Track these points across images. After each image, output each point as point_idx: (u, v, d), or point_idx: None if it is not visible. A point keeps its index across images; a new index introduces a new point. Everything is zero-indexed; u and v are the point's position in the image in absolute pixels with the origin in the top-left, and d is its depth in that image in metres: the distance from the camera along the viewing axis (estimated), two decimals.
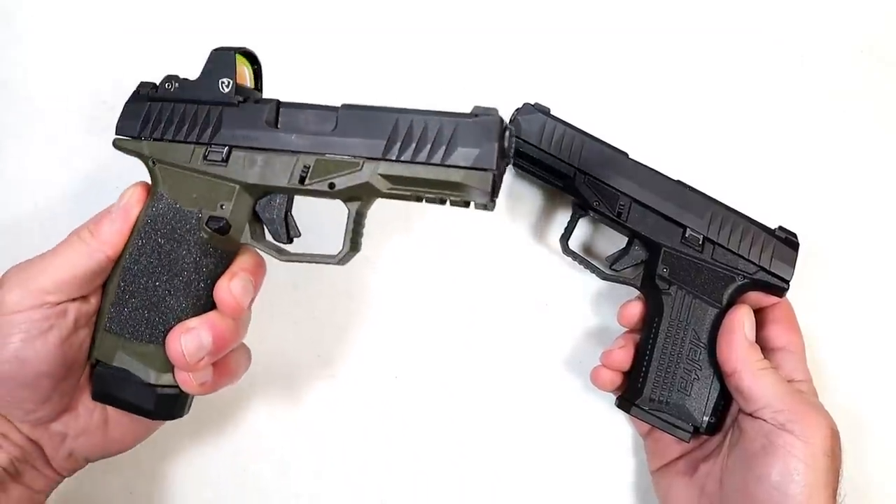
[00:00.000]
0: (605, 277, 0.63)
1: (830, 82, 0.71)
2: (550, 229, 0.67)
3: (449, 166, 0.46)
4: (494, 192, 0.46)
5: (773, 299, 0.60)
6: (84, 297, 0.49)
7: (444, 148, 0.46)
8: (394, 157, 0.47)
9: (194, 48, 0.52)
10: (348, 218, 0.50)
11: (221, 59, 0.49)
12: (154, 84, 0.51)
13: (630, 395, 0.60)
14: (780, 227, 0.60)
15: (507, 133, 0.46)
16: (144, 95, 0.51)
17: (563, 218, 0.66)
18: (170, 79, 0.51)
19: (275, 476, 0.64)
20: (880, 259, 0.68)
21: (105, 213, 0.50)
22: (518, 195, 0.67)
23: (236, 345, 0.51)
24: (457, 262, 0.67)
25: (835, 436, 0.53)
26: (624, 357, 0.60)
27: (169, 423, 0.54)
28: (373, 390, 0.66)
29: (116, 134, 0.51)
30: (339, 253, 0.50)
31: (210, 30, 0.68)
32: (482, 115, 0.46)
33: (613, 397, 0.63)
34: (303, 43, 0.68)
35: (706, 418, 0.58)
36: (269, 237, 0.52)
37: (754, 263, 0.59)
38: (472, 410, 0.66)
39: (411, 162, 0.46)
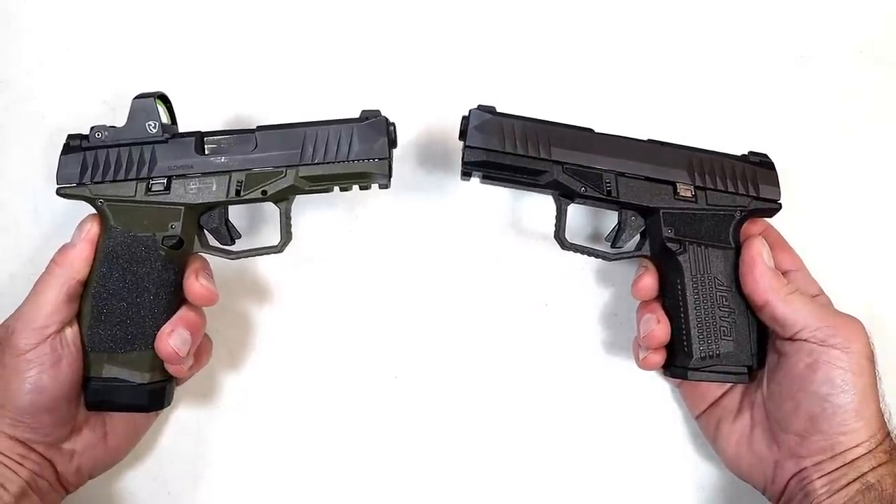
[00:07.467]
0: (611, 258, 0.62)
1: (829, 82, 0.74)
2: (540, 226, 0.69)
3: (353, 160, 0.60)
4: (390, 174, 0.61)
5: (760, 226, 0.63)
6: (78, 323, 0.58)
7: (347, 147, 0.60)
8: (309, 161, 0.60)
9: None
10: (280, 215, 0.62)
11: (144, 105, 0.59)
12: (82, 135, 0.59)
13: (681, 362, 0.59)
14: (751, 153, 0.62)
15: (392, 127, 0.61)
16: (77, 146, 0.59)
17: (545, 209, 0.65)
18: (98, 129, 0.59)
19: (275, 477, 0.67)
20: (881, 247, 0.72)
21: (67, 246, 0.58)
22: (499, 197, 0.70)
23: (204, 330, 0.62)
24: (452, 264, 0.70)
25: (869, 339, 0.55)
26: (665, 330, 0.60)
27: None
28: (372, 390, 0.68)
29: (59, 184, 0.58)
30: (279, 244, 0.62)
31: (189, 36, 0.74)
32: (371, 118, 0.60)
33: (609, 385, 0.65)
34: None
35: (755, 354, 0.59)
36: (214, 243, 0.63)
37: (745, 195, 0.60)
38: (472, 409, 0.68)
39: (323, 162, 0.60)
